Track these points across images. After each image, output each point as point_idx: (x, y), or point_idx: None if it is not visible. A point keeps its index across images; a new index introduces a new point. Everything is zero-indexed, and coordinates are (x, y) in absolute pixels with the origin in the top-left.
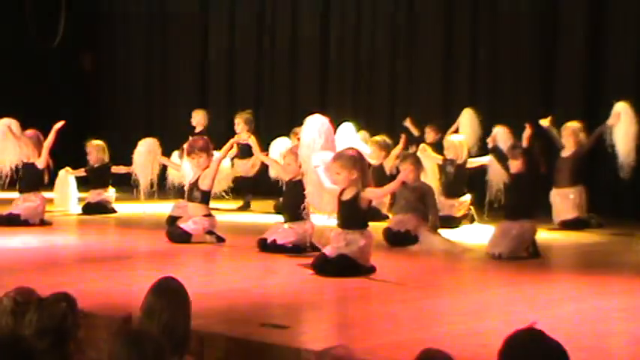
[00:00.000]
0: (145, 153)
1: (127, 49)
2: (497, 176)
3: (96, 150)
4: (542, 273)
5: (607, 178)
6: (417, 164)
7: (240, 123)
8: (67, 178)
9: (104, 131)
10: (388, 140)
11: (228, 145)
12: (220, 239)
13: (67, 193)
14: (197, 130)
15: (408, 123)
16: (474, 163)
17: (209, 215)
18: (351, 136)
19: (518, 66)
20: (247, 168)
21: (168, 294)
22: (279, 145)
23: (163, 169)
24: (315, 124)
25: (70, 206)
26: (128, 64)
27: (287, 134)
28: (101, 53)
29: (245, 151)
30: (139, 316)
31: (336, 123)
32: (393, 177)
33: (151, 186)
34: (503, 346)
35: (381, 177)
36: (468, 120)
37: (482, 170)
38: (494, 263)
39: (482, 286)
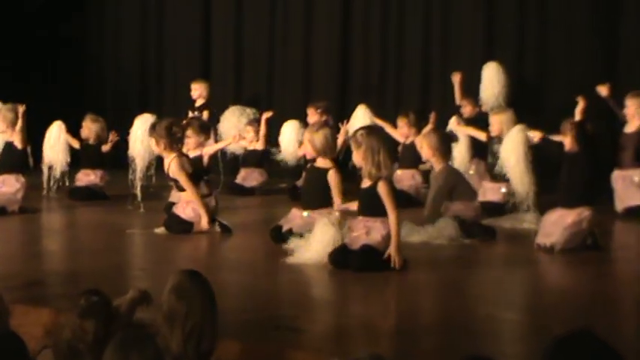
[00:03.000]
0: (142, 132)
1: (117, 10)
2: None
3: (89, 124)
4: (602, 268)
5: None
6: (437, 146)
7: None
8: (59, 132)
9: (93, 106)
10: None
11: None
12: (226, 229)
13: (57, 147)
14: (198, 104)
15: (456, 80)
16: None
17: (208, 195)
18: (364, 117)
19: (573, 26)
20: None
21: (194, 293)
22: (291, 130)
23: None
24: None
25: (62, 160)
26: (119, 28)
27: (301, 109)
28: (88, 16)
29: None
30: (155, 322)
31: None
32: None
33: (148, 169)
34: (554, 344)
35: (412, 156)
36: (490, 74)
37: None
38: (545, 256)
39: (530, 282)
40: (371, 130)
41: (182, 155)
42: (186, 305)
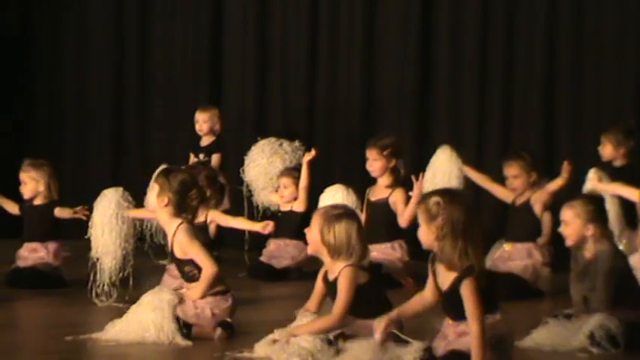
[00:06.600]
0: (108, 218)
1: (80, 11)
2: None
3: (32, 174)
4: None
5: None
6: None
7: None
8: None
9: (43, 151)
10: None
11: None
12: (230, 330)
13: None
14: (204, 142)
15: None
16: None
17: (223, 293)
18: (449, 166)
19: None
20: None
21: None
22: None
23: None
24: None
25: None
26: (85, 35)
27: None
28: (34, 13)
29: None
30: None
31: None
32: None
33: (123, 267)
34: None
35: (527, 222)
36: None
37: None
38: None
39: None
40: (454, 196)
41: (191, 223)
42: None
